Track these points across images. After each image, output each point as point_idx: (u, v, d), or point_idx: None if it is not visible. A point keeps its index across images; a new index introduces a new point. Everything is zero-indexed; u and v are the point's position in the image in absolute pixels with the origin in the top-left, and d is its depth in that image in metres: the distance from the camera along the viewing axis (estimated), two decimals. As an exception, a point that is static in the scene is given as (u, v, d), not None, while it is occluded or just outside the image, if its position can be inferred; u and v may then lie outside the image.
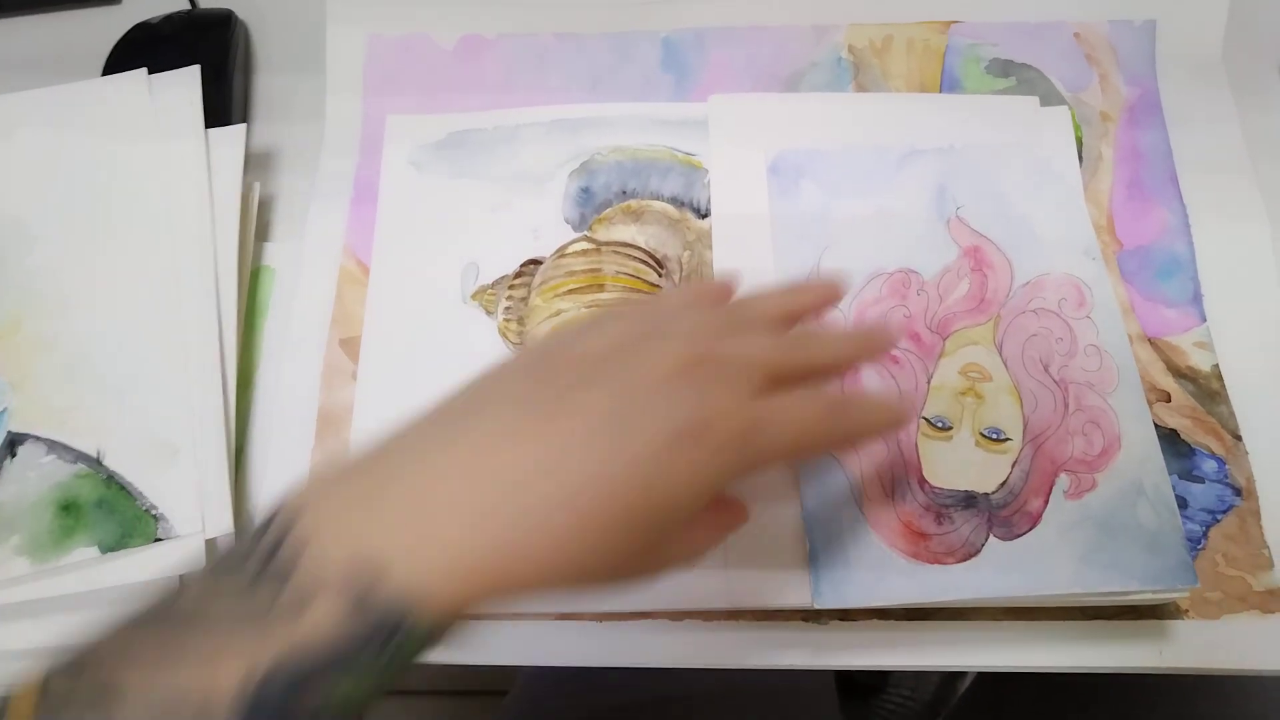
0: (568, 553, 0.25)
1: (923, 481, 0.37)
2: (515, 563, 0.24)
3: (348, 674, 0.23)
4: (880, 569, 0.36)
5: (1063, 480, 0.37)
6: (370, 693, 0.24)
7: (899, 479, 0.37)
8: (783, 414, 0.27)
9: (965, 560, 0.36)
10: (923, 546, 0.36)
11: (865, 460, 0.38)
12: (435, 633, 0.24)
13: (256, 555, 0.24)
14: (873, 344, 0.32)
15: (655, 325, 0.29)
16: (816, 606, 0.36)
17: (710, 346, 0.28)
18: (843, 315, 0.40)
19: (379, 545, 0.24)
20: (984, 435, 0.38)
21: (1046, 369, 0.39)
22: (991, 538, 0.36)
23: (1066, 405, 0.38)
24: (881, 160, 0.44)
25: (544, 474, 0.25)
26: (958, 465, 0.37)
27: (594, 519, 0.25)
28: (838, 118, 0.46)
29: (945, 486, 0.37)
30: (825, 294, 0.33)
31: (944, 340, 0.40)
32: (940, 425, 0.38)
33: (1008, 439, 0.38)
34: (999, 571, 0.35)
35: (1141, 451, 0.37)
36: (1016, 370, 0.39)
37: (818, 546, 0.36)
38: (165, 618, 0.24)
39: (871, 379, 0.39)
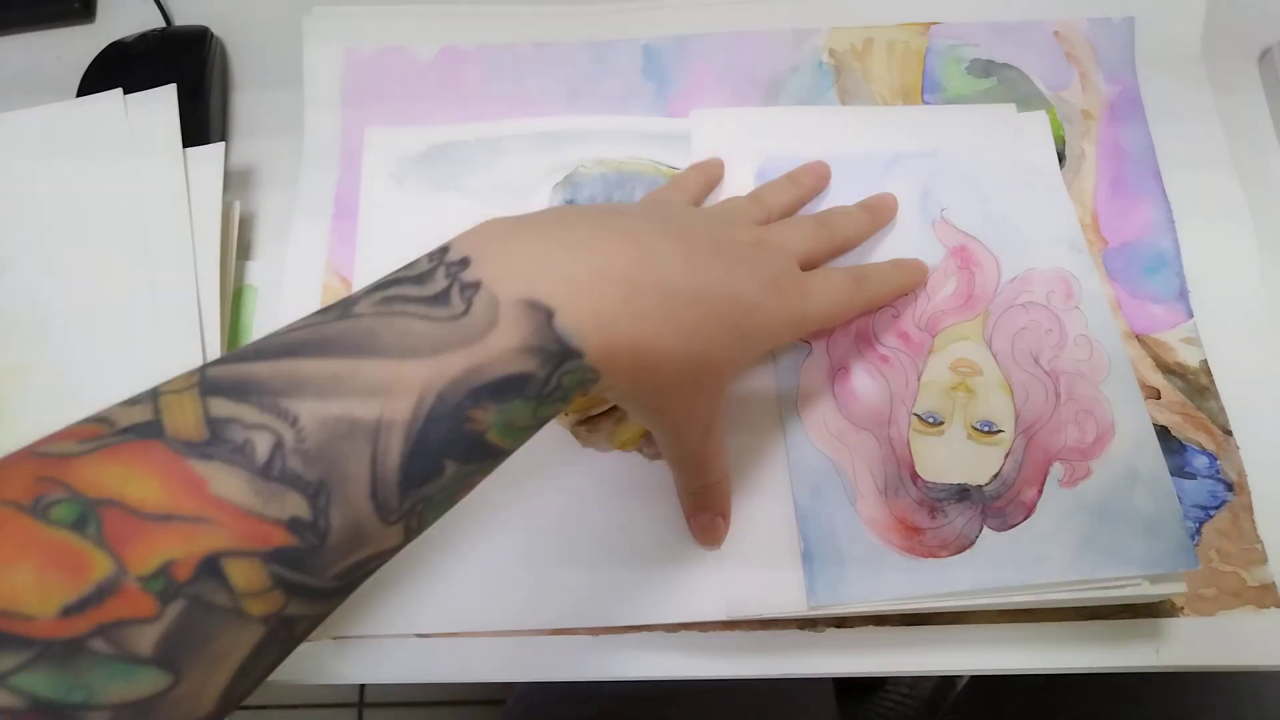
0: (690, 344, 0.29)
1: (915, 476, 0.37)
2: (650, 337, 0.28)
3: (519, 397, 0.25)
4: (875, 565, 0.36)
5: (1057, 469, 0.37)
6: (529, 421, 0.26)
7: (891, 475, 0.37)
8: (822, 285, 0.36)
9: (959, 553, 0.36)
10: (916, 541, 0.36)
11: (857, 457, 0.37)
12: (589, 377, 0.27)
13: (432, 284, 0.26)
14: (879, 216, 0.42)
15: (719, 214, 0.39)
16: (811, 606, 0.35)
17: (767, 234, 0.37)
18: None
19: (549, 291, 0.26)
20: (976, 428, 0.38)
21: (1037, 361, 0.39)
22: (985, 529, 0.36)
23: (1058, 395, 0.38)
24: (867, 166, 0.44)
25: (684, 272, 0.29)
26: (950, 459, 0.37)
27: (719, 321, 0.30)
28: (819, 129, 0.46)
29: (938, 480, 0.37)
30: (820, 179, 0.43)
31: (933, 337, 0.40)
32: (932, 420, 0.38)
33: (1000, 431, 0.38)
34: (994, 562, 0.35)
35: (1136, 438, 0.37)
36: (1007, 363, 0.39)
37: (811, 546, 0.36)
38: (334, 345, 0.24)
39: (862, 378, 0.39)
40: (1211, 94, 0.47)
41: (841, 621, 0.37)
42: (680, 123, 0.47)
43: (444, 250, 0.27)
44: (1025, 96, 0.47)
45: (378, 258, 0.45)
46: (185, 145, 0.46)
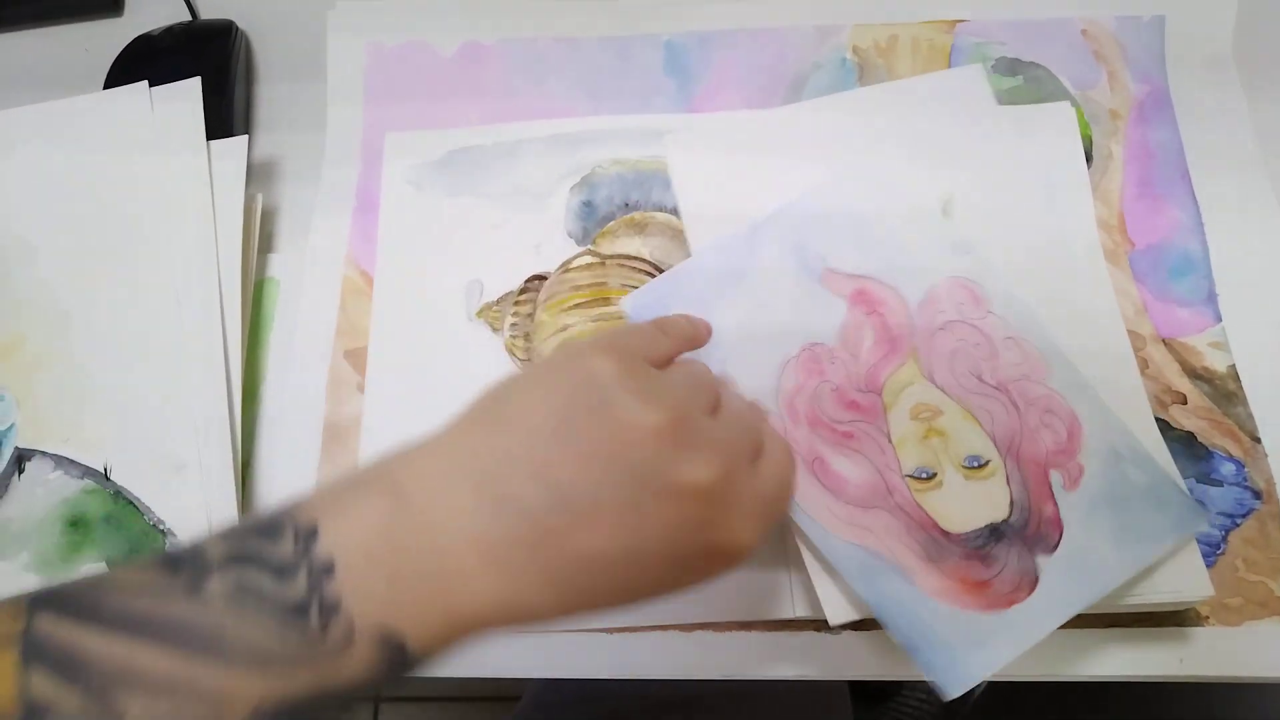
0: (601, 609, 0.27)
1: (945, 534, 0.36)
2: (515, 611, 0.26)
3: (354, 705, 0.24)
4: (976, 635, 0.34)
5: (1056, 477, 0.36)
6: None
7: (925, 540, 0.36)
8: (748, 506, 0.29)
9: (1034, 590, 0.35)
10: (989, 594, 0.35)
11: (884, 535, 0.36)
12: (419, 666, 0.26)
13: (293, 586, 0.24)
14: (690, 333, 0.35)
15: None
16: (949, 696, 0.34)
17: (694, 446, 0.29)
18: (779, 417, 0.37)
19: (405, 617, 0.25)
20: (965, 467, 0.37)
21: (981, 379, 0.38)
22: (1039, 557, 0.35)
23: (1016, 406, 0.37)
24: (731, 247, 0.41)
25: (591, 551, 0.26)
26: (963, 505, 0.36)
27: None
28: (772, 140, 0.44)
29: (968, 530, 0.36)
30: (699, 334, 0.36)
31: (880, 396, 0.38)
32: (925, 476, 0.37)
33: (987, 461, 0.37)
34: (1068, 583, 0.34)
35: (1099, 419, 0.37)
36: (958, 392, 0.37)
37: (907, 634, 0.34)
38: (177, 635, 0.23)
39: (839, 461, 0.37)
40: (1242, 94, 0.46)
41: (857, 624, 0.37)
42: (697, 119, 0.46)
43: (310, 536, 0.25)
44: (1052, 95, 0.47)
45: (399, 260, 0.45)
46: (209, 138, 0.46)
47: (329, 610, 0.24)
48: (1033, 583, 0.35)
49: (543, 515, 0.25)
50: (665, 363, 0.31)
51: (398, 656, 0.24)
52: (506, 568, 0.25)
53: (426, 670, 0.26)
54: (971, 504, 0.36)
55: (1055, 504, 0.36)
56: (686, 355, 0.33)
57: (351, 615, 0.24)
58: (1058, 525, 0.35)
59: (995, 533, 0.36)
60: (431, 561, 0.25)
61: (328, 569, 0.24)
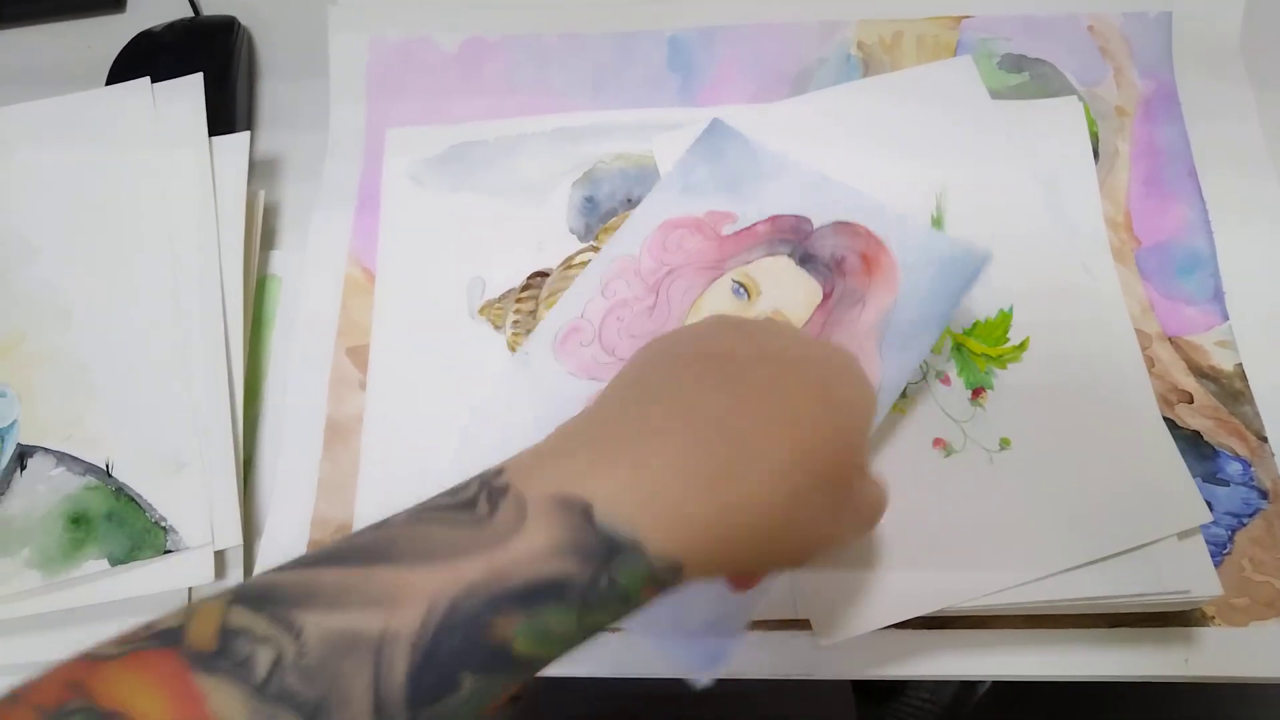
0: (777, 533, 0.26)
1: None
2: (732, 530, 0.24)
3: (555, 603, 0.23)
4: None
5: None
6: (572, 629, 0.23)
7: None
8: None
9: None
10: None
11: None
12: (659, 573, 0.24)
13: (464, 493, 0.24)
14: None
15: None
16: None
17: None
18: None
19: (586, 486, 0.24)
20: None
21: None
22: None
23: None
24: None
25: (758, 453, 0.25)
26: None
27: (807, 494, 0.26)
28: (762, 136, 0.44)
29: None
30: None
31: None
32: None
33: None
34: None
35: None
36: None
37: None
38: (349, 556, 0.23)
39: None
40: (1251, 90, 0.46)
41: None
42: (698, 112, 0.46)
43: (497, 471, 0.25)
44: (1058, 92, 0.46)
45: (400, 257, 0.45)
46: (211, 134, 0.46)
47: (496, 495, 0.24)
48: None
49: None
50: None
51: (586, 527, 0.23)
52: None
53: (694, 573, 0.24)
54: None
55: None
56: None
57: (521, 490, 0.23)
58: None
59: None
60: (622, 448, 0.25)
61: (499, 470, 0.24)
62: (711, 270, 0.41)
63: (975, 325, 0.40)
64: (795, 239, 0.40)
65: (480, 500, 0.24)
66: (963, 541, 0.36)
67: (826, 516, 0.27)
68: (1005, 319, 0.40)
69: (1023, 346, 0.39)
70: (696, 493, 0.24)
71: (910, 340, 0.38)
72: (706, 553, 0.24)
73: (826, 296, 0.39)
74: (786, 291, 0.40)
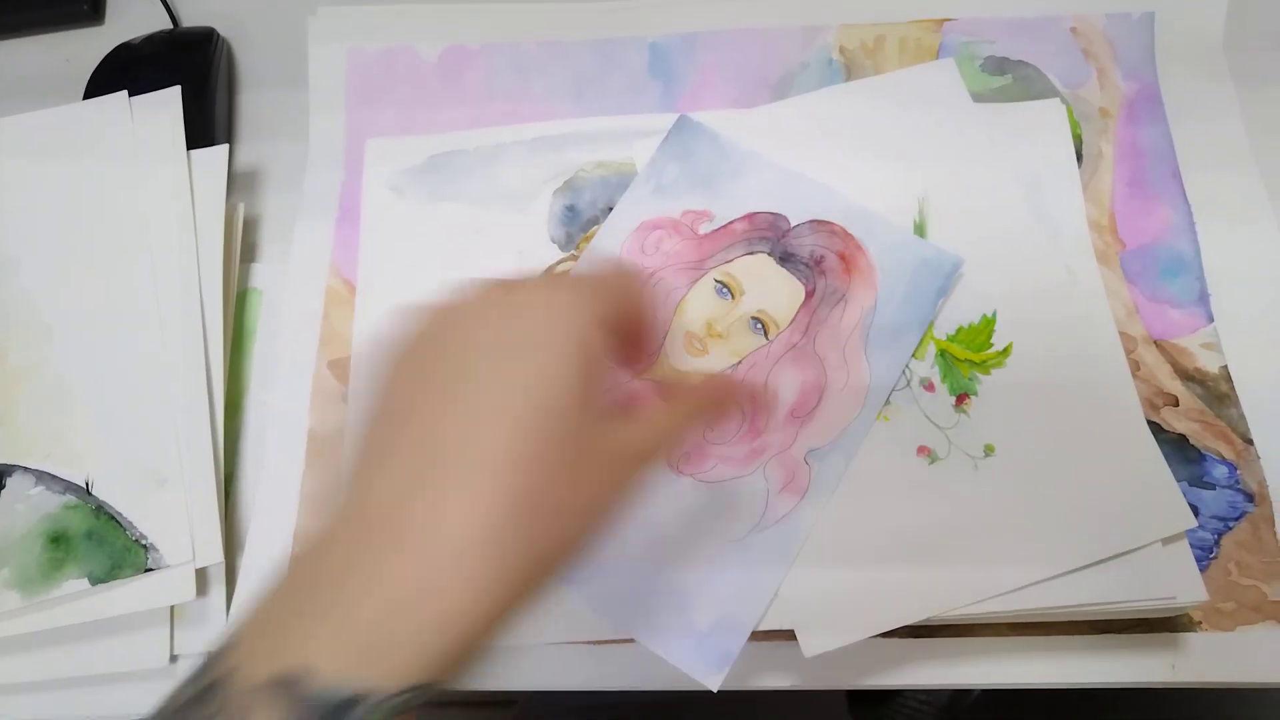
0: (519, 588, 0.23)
1: None
2: (464, 619, 0.22)
3: None
4: None
5: None
6: None
7: None
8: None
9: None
10: None
11: None
12: (405, 705, 0.22)
13: (183, 696, 0.22)
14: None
15: None
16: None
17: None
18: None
19: (309, 648, 0.22)
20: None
21: None
22: None
23: None
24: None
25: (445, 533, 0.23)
26: None
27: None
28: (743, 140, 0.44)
29: None
30: None
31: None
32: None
33: None
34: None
35: None
36: None
37: None
38: None
39: None
40: (1234, 91, 0.45)
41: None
42: (671, 120, 0.46)
43: (223, 650, 0.23)
44: (1041, 94, 0.46)
45: (381, 268, 0.45)
46: (191, 146, 0.46)
47: (219, 689, 0.21)
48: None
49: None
50: None
51: (308, 700, 0.21)
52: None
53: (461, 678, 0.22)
54: None
55: None
56: None
57: (245, 678, 0.21)
58: None
59: None
60: (335, 591, 0.22)
61: (225, 649, 0.22)
62: (693, 270, 0.40)
63: (959, 330, 0.40)
64: (773, 236, 0.40)
65: (208, 698, 0.22)
66: (947, 550, 0.36)
67: (565, 500, 0.24)
68: (989, 324, 0.40)
69: (1006, 352, 0.39)
70: (406, 614, 0.22)
71: (892, 342, 0.38)
72: (452, 655, 0.22)
73: (809, 295, 0.39)
74: (770, 290, 0.40)
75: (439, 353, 0.26)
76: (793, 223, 0.40)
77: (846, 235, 0.39)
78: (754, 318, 0.39)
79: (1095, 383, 0.38)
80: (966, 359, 0.39)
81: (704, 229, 0.41)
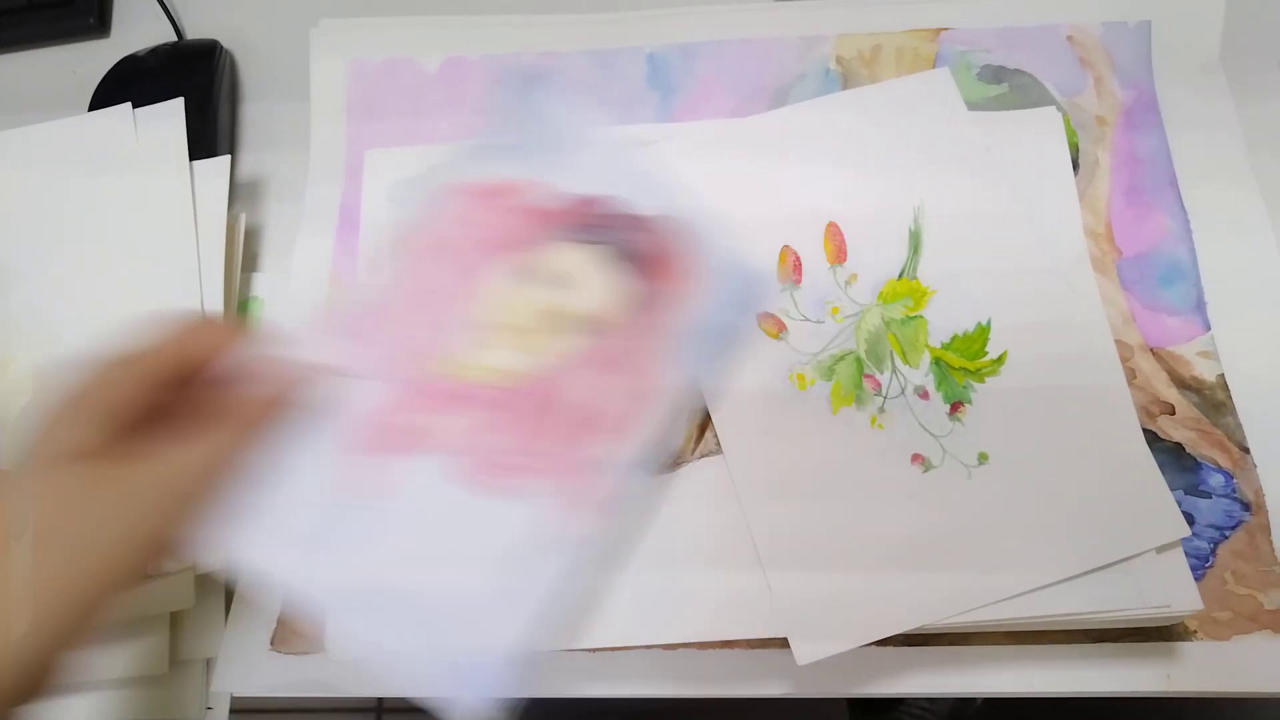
0: None
1: None
2: None
3: None
4: None
5: None
6: None
7: None
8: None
9: None
10: None
11: None
12: None
13: None
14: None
15: None
16: None
17: None
18: None
19: None
20: None
21: None
22: None
23: None
24: None
25: None
26: None
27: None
28: (738, 148, 0.44)
29: None
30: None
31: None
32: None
33: None
34: None
35: None
36: None
37: None
38: None
39: None
40: (1231, 100, 0.45)
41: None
42: (679, 128, 0.46)
43: None
44: (1038, 102, 0.46)
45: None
46: (194, 157, 0.46)
47: None
48: None
49: None
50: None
51: None
52: None
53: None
54: None
55: None
56: None
57: None
58: None
59: None
60: None
61: None
62: (498, 251, 0.37)
63: (954, 338, 0.40)
64: (594, 227, 0.37)
65: None
66: (941, 558, 0.36)
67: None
68: (983, 332, 0.40)
69: (1001, 360, 0.39)
70: None
71: (704, 349, 0.37)
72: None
73: (635, 292, 0.37)
74: (581, 285, 0.37)
75: None
76: (619, 215, 0.37)
77: (669, 236, 0.37)
78: (561, 313, 0.36)
79: (1091, 391, 0.38)
80: (961, 367, 0.39)
81: (520, 205, 0.37)
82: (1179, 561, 0.35)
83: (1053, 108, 0.45)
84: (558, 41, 0.50)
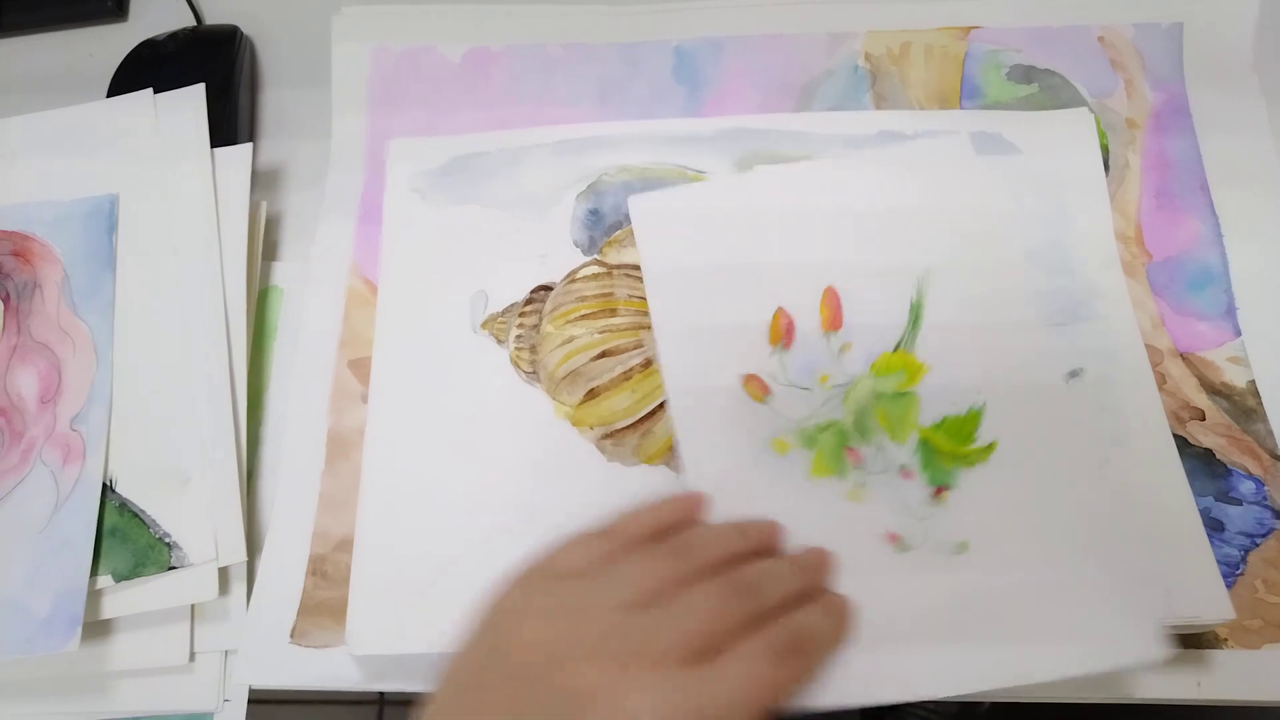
0: None
1: None
2: None
3: None
4: None
5: None
6: None
7: None
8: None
9: None
10: None
11: None
12: None
13: None
14: (811, 574, 0.34)
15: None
16: None
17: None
18: None
19: None
20: None
21: None
22: None
23: None
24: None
25: None
26: None
27: None
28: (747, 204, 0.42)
29: None
30: (771, 540, 0.35)
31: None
32: None
33: None
34: None
35: None
36: None
37: None
38: None
39: None
40: (1264, 104, 0.45)
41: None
42: (705, 124, 0.45)
43: None
44: (1068, 103, 0.46)
45: (402, 269, 0.44)
46: (214, 144, 0.45)
47: None
48: None
49: None
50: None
51: None
52: None
53: None
54: None
55: None
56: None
57: None
58: None
59: None
60: None
61: None
62: None
63: (944, 420, 0.37)
64: None
65: None
66: (917, 638, 0.33)
67: None
68: (975, 417, 0.37)
69: (990, 448, 0.37)
70: None
71: (95, 294, 0.43)
72: None
73: (5, 299, 0.43)
74: None
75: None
76: None
77: (13, 234, 0.44)
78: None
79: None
80: (949, 450, 0.37)
81: None
82: (1211, 569, 0.34)
83: (1085, 109, 0.45)
84: (584, 33, 0.49)
